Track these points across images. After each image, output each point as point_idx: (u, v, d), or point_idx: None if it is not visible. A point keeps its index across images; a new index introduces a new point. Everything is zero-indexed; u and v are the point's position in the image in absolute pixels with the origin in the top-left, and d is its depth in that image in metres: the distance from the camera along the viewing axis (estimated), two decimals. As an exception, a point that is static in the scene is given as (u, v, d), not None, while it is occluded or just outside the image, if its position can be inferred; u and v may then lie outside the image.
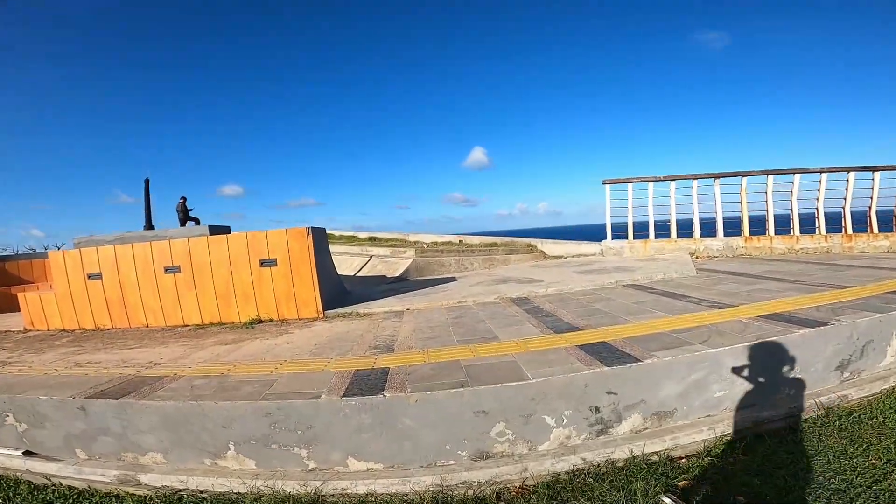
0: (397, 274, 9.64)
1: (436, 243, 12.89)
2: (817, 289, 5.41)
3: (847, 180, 9.40)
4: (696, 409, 3.10)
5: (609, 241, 10.43)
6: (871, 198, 9.26)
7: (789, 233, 9.65)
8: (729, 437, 3.02)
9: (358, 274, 10.69)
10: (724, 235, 9.84)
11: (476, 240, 12.23)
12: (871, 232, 9.27)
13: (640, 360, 3.08)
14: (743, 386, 3.19)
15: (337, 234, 17.03)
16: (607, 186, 10.10)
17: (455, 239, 12.83)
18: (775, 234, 9.60)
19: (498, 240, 11.83)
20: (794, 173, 9.39)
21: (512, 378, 2.94)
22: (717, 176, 9.64)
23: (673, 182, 9.87)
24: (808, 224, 9.64)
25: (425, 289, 7.68)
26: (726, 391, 3.16)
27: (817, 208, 9.48)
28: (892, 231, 9.27)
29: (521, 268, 9.63)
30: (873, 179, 9.29)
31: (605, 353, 3.38)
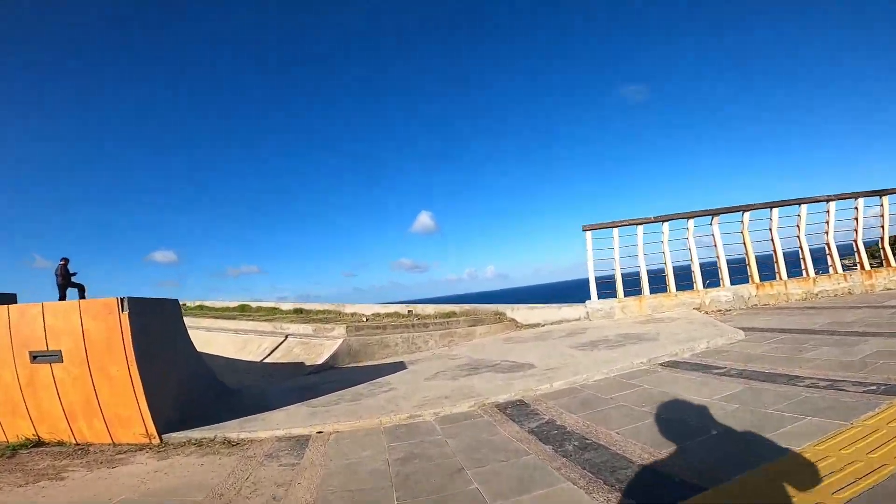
0: (320, 360, 6.82)
1: (378, 315, 10.18)
2: None
3: (856, 208, 8.11)
4: None
5: (595, 302, 8.31)
6: (883, 227, 7.96)
7: (801, 274, 8.05)
8: None
9: (266, 360, 7.67)
10: (731, 283, 8.04)
11: (430, 309, 9.68)
12: (889, 265, 7.85)
13: None
14: None
15: (254, 305, 13.87)
16: (588, 233, 8.20)
17: (403, 309, 10.20)
18: (788, 276, 7.94)
19: (456, 307, 9.37)
20: (799, 203, 7.98)
21: None
22: (715, 212, 8.04)
23: (665, 223, 8.11)
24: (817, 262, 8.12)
25: (357, 386, 5.00)
26: None
27: (828, 243, 8.04)
28: (912, 266, 7.92)
29: (493, 344, 7.15)
30: (882, 206, 8.06)
31: None
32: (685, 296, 8.08)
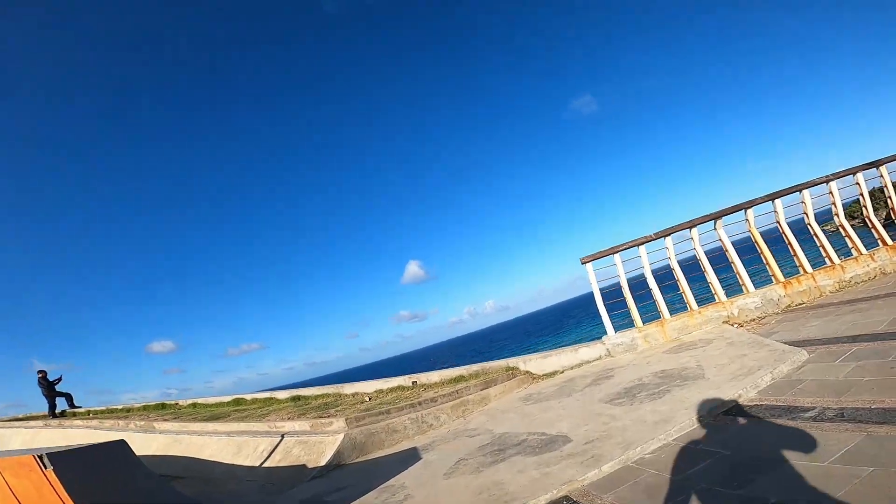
0: (323, 461, 5.89)
1: (381, 392, 9.27)
2: None
3: (857, 183, 7.63)
4: None
5: (614, 336, 7.56)
6: (890, 196, 7.46)
7: (824, 262, 7.44)
8: None
9: (265, 464, 6.68)
10: (756, 287, 7.38)
11: (435, 376, 8.81)
12: (914, 237, 7.30)
13: None
14: None
15: (249, 398, 12.92)
16: (589, 265, 7.57)
17: (406, 381, 9.31)
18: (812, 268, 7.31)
19: (464, 370, 8.51)
20: (800, 190, 7.48)
21: None
22: (718, 215, 7.50)
23: (668, 237, 7.53)
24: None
25: (367, 496, 4.10)
26: None
27: (841, 224, 7.48)
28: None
29: (512, 407, 6.31)
30: (883, 176, 7.60)
31: None
32: (710, 310, 7.37)
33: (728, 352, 5.56)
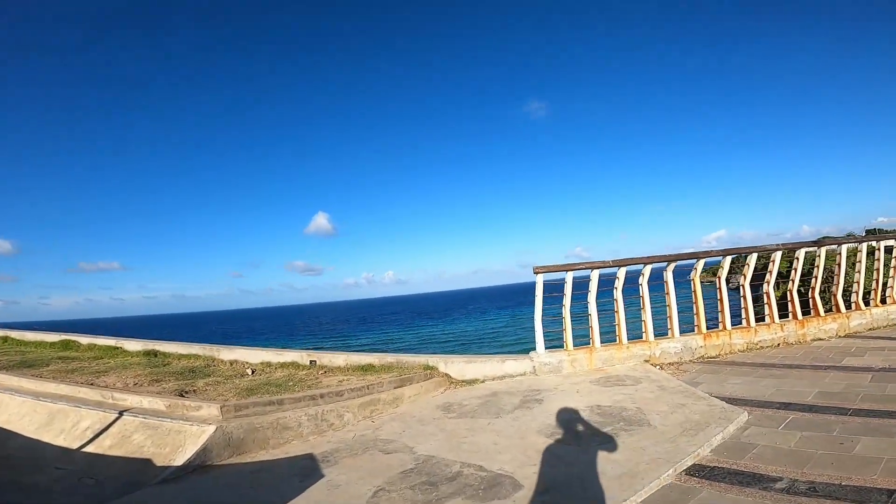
0: (180, 460, 4.61)
1: (269, 366, 8.04)
2: None
3: (797, 258, 8.32)
4: None
5: (543, 354, 7.30)
6: (816, 276, 8.24)
7: (741, 323, 7.98)
8: None
9: (86, 448, 5.14)
10: (680, 333, 7.64)
11: (340, 359, 7.82)
12: (818, 314, 8.14)
13: None
14: None
15: (85, 342, 10.65)
16: (540, 276, 7.17)
17: (302, 358, 8.16)
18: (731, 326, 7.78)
19: (375, 359, 7.66)
20: (750, 253, 7.91)
21: None
22: (673, 259, 7.58)
23: (623, 268, 7.44)
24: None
25: None
26: None
27: (767, 292, 8.06)
28: (831, 311, 8.31)
29: (431, 418, 5.64)
30: (819, 256, 8.35)
31: None
32: (636, 347, 7.46)
33: (663, 397, 5.49)
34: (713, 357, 7.49)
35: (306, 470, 4.31)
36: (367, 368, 7.38)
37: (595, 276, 7.37)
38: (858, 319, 8.26)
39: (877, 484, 3.07)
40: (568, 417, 5.03)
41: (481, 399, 6.18)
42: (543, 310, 7.21)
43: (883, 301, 8.58)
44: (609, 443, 4.21)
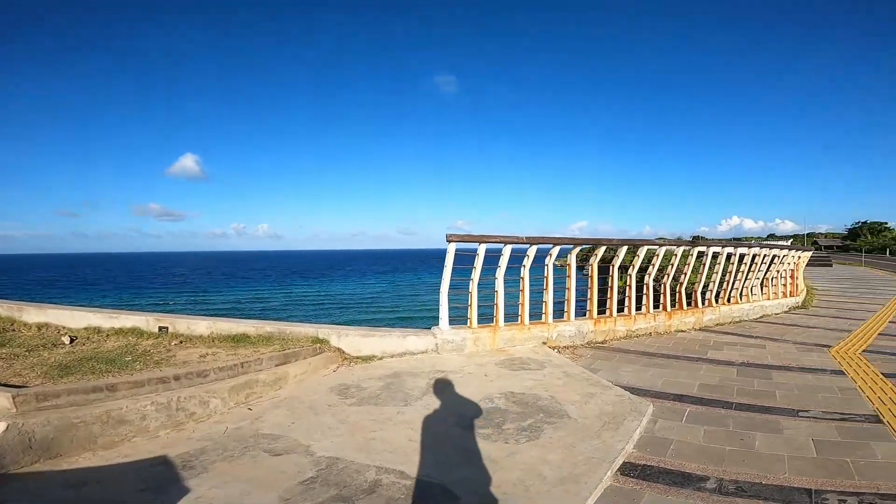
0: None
1: (98, 333, 6.28)
2: None
3: (675, 255, 9.12)
4: None
5: (447, 330, 6.87)
6: (685, 273, 9.19)
7: (623, 311, 8.57)
8: None
9: None
10: (575, 317, 7.89)
11: (202, 325, 6.38)
12: (682, 308, 9.16)
13: None
14: None
15: None
16: (452, 245, 6.62)
17: (148, 323, 6.50)
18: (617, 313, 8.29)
19: (251, 327, 6.40)
20: (641, 245, 8.45)
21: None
22: (580, 243, 7.67)
23: (534, 246, 7.29)
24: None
25: None
26: None
27: (647, 283, 8.75)
28: (690, 306, 9.42)
29: (325, 404, 4.80)
30: (691, 254, 9.28)
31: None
32: (536, 329, 7.47)
33: (571, 385, 5.46)
34: (601, 342, 7.89)
35: (160, 480, 3.19)
36: (239, 339, 6.12)
37: (507, 251, 7.10)
38: (710, 315, 9.54)
39: (793, 483, 3.23)
40: (486, 407, 4.65)
41: (383, 381, 5.50)
42: (448, 282, 6.73)
43: (728, 300, 10.06)
44: (536, 439, 3.91)
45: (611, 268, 8.31)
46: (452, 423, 4.30)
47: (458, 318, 7.30)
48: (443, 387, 5.29)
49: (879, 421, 4.25)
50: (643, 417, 4.44)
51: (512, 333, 7.28)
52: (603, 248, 8.00)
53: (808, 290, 15.02)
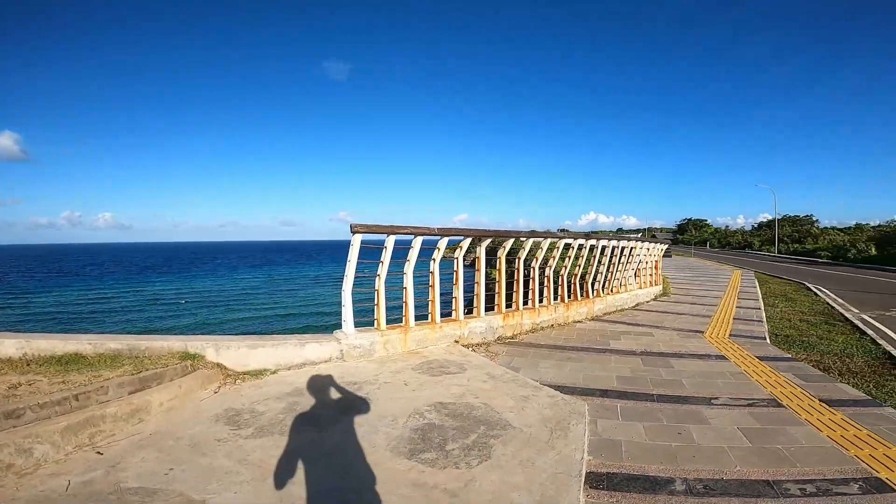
0: None
1: None
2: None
3: (574, 248, 9.43)
4: None
5: (352, 334, 6.10)
6: (579, 265, 9.62)
7: (527, 303, 8.65)
8: None
9: None
10: (485, 312, 7.68)
11: (11, 345, 4.63)
12: (576, 299, 9.60)
13: None
14: None
15: None
16: (358, 237, 5.84)
17: None
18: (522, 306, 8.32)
19: (87, 346, 4.81)
20: (545, 237, 8.52)
21: None
22: (491, 235, 7.40)
23: (445, 238, 6.83)
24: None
25: None
26: None
27: (548, 276, 8.96)
28: (584, 297, 9.94)
29: (212, 440, 3.77)
30: (584, 247, 9.71)
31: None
32: (448, 327, 7.06)
33: (500, 388, 5.13)
34: (510, 338, 7.80)
35: None
36: (70, 361, 4.55)
37: (417, 243, 6.54)
38: (599, 304, 10.19)
39: (751, 476, 3.26)
40: (418, 425, 4.05)
41: (284, 401, 4.53)
42: (352, 278, 5.95)
43: (612, 290, 10.87)
44: (489, 458, 3.45)
45: (517, 260, 8.29)
46: (385, 447, 3.61)
47: (363, 320, 6.57)
48: (360, 403, 4.55)
49: (781, 405, 4.69)
50: (584, 419, 4.27)
51: (424, 333, 6.76)
52: (511, 241, 7.89)
53: (664, 280, 17.26)
